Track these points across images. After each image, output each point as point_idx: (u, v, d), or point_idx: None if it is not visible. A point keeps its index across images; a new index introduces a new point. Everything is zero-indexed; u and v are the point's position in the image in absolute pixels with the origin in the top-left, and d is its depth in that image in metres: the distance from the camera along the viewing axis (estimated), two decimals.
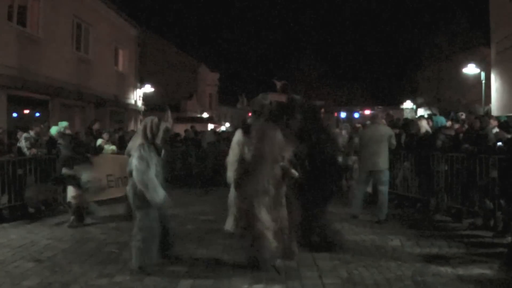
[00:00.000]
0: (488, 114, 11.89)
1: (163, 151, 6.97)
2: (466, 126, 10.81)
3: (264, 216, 6.49)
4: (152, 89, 29.42)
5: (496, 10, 21.76)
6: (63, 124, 11.85)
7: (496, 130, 10.06)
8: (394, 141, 10.16)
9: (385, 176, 10.03)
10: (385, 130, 10.30)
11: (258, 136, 6.84)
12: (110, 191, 12.17)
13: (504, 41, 20.43)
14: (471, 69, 25.49)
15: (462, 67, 26.51)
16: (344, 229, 9.16)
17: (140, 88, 28.71)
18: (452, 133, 11.04)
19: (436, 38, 39.30)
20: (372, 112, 12.55)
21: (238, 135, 7.93)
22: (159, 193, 6.36)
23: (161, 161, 6.84)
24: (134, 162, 6.44)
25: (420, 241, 8.11)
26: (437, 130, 11.30)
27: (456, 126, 11.31)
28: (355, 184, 10.83)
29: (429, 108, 22.81)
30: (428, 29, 56.92)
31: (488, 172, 9.08)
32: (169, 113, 7.52)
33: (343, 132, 15.22)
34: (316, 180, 7.42)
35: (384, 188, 10.01)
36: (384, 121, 13.50)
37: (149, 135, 6.68)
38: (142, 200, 6.40)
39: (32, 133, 11.37)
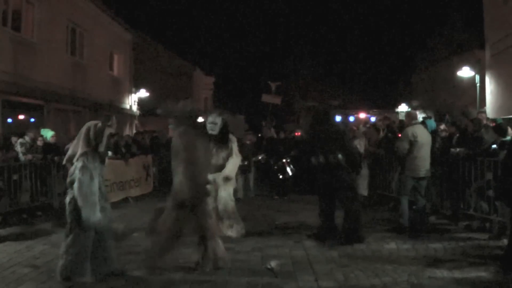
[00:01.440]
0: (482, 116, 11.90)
1: (106, 160, 6.73)
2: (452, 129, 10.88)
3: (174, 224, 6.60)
4: (147, 94, 29.37)
5: (490, 12, 21.82)
6: (49, 133, 11.94)
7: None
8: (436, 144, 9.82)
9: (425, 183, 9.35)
10: (427, 132, 9.57)
11: (184, 145, 6.82)
12: None
13: (498, 44, 20.50)
14: (465, 72, 25.55)
15: (457, 70, 26.58)
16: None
17: (135, 92, 28.68)
18: (444, 134, 11.11)
19: (431, 41, 39.47)
20: (411, 110, 11.80)
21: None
22: (96, 213, 6.16)
23: (103, 170, 6.60)
24: (77, 173, 6.11)
25: (416, 244, 8.12)
26: (432, 133, 11.33)
27: (452, 129, 11.34)
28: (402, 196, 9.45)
29: (424, 111, 22.81)
30: (423, 32, 57.16)
31: (484, 174, 9.11)
32: (114, 118, 6.85)
33: None
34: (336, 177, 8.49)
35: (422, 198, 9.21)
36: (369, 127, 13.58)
37: (92, 142, 6.30)
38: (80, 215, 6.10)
39: (27, 138, 11.35)
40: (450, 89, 33.90)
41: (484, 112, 13.66)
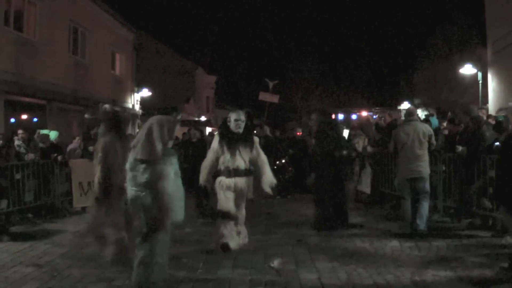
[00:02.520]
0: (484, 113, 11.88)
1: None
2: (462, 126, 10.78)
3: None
4: (149, 93, 29.39)
5: (492, 9, 21.79)
6: (54, 134, 11.95)
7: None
8: (434, 141, 9.18)
9: (427, 184, 8.88)
10: (424, 127, 9.11)
11: (103, 146, 7.01)
12: None
13: (500, 41, 20.46)
14: (467, 69, 25.50)
15: (459, 68, 26.53)
16: (342, 229, 9.20)
17: (138, 92, 28.71)
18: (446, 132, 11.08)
19: (432, 38, 39.34)
20: (410, 107, 11.54)
21: (215, 140, 8.02)
22: (182, 210, 5.75)
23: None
24: (165, 169, 5.55)
25: (419, 242, 8.11)
26: (434, 131, 11.30)
27: (451, 126, 11.30)
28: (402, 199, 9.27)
29: (427, 109, 22.78)
30: (424, 29, 57.04)
31: (486, 172, 9.09)
32: (177, 114, 7.28)
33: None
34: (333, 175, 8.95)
35: (425, 200, 8.80)
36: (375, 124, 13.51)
37: (166, 138, 5.65)
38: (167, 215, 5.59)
39: (17, 139, 11.36)
40: (452, 87, 33.85)
41: (485, 109, 13.63)
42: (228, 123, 7.91)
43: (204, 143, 12.65)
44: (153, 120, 5.69)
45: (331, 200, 9.23)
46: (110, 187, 6.89)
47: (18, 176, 10.38)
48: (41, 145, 11.84)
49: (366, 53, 65.64)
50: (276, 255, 7.37)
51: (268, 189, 7.90)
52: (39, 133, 12.30)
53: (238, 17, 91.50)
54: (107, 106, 7.53)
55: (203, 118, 38.51)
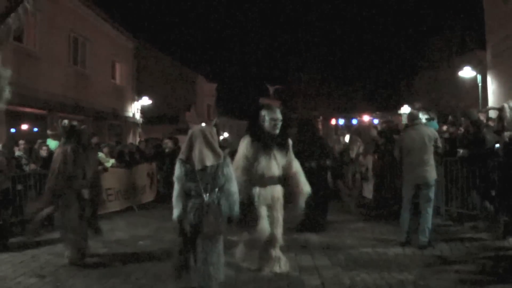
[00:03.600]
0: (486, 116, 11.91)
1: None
2: (461, 129, 10.77)
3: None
4: (150, 102, 29.43)
5: (491, 12, 21.83)
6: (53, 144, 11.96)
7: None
8: (440, 144, 8.82)
9: (431, 191, 8.43)
10: (430, 131, 8.73)
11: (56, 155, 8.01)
12: (110, 205, 12.23)
13: (500, 44, 20.50)
14: (467, 72, 25.51)
15: (459, 71, 26.56)
16: (344, 236, 9.20)
17: (138, 101, 28.75)
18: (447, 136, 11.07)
19: (432, 42, 39.45)
20: (412, 110, 11.19)
21: (245, 144, 6.84)
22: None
23: None
24: (230, 170, 5.66)
25: (421, 247, 8.08)
26: None
27: (452, 129, 11.32)
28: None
29: (427, 113, 22.80)
30: (424, 33, 57.14)
31: (488, 175, 9.09)
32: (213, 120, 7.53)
33: (341, 138, 15.47)
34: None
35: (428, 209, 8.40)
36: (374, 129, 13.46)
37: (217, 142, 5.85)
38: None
39: (17, 150, 11.38)
40: (453, 90, 33.88)
41: (486, 112, 13.63)
42: (262, 123, 6.84)
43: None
44: (198, 130, 5.75)
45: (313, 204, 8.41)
46: (66, 192, 7.69)
47: (19, 187, 10.38)
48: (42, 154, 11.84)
49: (366, 58, 65.82)
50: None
51: (303, 203, 6.93)
52: (39, 143, 12.30)
53: (239, 24, 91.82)
54: (65, 121, 8.41)
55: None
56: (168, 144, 13.83)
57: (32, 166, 11.07)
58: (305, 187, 6.94)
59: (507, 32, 19.33)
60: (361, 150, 12.90)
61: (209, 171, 5.50)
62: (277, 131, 6.80)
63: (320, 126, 23.13)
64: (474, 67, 25.17)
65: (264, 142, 6.71)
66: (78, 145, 8.02)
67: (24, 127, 17.23)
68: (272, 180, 6.71)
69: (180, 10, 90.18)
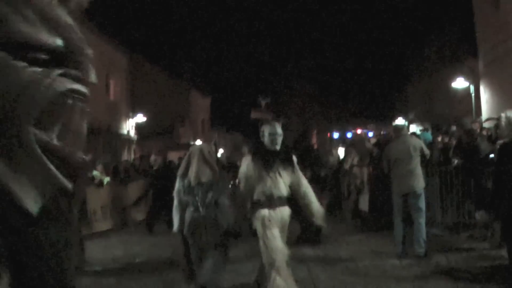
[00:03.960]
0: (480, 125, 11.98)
1: None
2: (453, 140, 10.84)
3: None
4: (145, 119, 29.43)
5: (482, 21, 21.99)
6: None
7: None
8: (427, 151, 8.91)
9: (419, 201, 8.46)
10: (414, 141, 8.94)
11: None
12: (104, 224, 12.22)
13: (491, 53, 20.63)
14: (460, 83, 25.65)
15: (451, 81, 26.68)
16: (341, 248, 9.18)
17: (133, 117, 28.74)
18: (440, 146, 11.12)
19: (424, 52, 39.61)
20: (397, 123, 11.32)
21: (246, 162, 6.33)
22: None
23: None
24: (224, 185, 6.24)
25: (418, 258, 8.08)
26: (429, 145, 11.31)
27: (446, 140, 11.38)
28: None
29: (421, 123, 22.89)
30: (416, 43, 57.52)
31: (483, 183, 9.11)
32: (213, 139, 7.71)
33: (334, 151, 15.64)
34: None
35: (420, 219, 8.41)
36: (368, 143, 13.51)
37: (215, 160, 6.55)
38: None
39: None
40: (446, 100, 34.01)
41: (479, 121, 13.70)
42: (262, 139, 6.28)
43: (168, 172, 12.40)
44: (196, 148, 6.48)
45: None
46: None
47: None
48: None
49: (358, 70, 66.08)
50: None
51: (320, 222, 6.34)
52: None
53: (233, 38, 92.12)
54: None
55: (198, 141, 38.51)
56: (157, 160, 13.79)
57: None
58: (319, 207, 6.35)
59: (498, 41, 19.47)
60: (355, 161, 12.91)
61: (205, 186, 5.98)
62: (278, 147, 6.13)
63: (314, 140, 23.15)
64: (467, 76, 25.32)
65: (265, 160, 6.07)
66: None
67: None
68: (281, 201, 5.98)
69: (173, 25, 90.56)
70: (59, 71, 1.65)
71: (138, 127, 29.33)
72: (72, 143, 1.76)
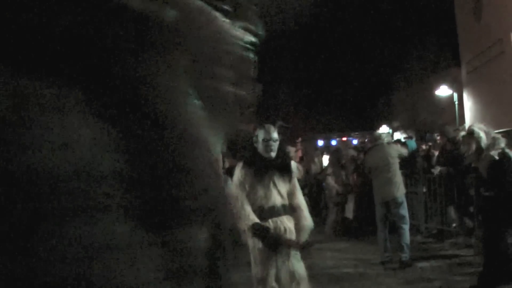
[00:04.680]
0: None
1: None
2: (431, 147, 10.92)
3: None
4: None
5: (464, 30, 22.19)
6: None
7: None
8: (404, 152, 9.24)
9: (401, 208, 8.48)
10: (391, 149, 9.02)
11: None
12: None
13: (473, 61, 20.81)
14: (443, 91, 25.86)
15: (435, 89, 26.88)
16: (326, 256, 9.16)
17: None
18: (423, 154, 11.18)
19: (407, 61, 39.79)
20: (375, 132, 11.35)
21: (238, 171, 5.64)
22: None
23: None
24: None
25: (403, 264, 8.10)
26: (413, 153, 11.35)
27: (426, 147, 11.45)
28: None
29: (405, 131, 23.01)
30: (398, 52, 57.90)
31: (466, 191, 9.16)
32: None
33: (316, 159, 15.65)
34: None
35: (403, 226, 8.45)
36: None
37: None
38: None
39: None
40: (430, 108, 34.22)
41: (463, 129, 13.76)
42: (256, 144, 5.61)
43: None
44: None
45: None
46: None
47: None
48: None
49: (344, 78, 66.33)
50: None
51: (304, 238, 5.67)
52: None
53: None
54: None
55: None
56: None
57: None
58: (307, 222, 5.65)
59: (480, 49, 19.66)
60: (329, 171, 12.94)
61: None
62: (273, 154, 5.48)
63: (299, 151, 23.21)
64: (450, 84, 25.54)
65: (258, 168, 5.45)
66: None
67: None
68: (273, 212, 5.36)
69: None
70: (241, 24, 1.61)
71: None
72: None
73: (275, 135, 5.52)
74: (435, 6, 40.80)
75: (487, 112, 19.46)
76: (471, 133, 6.74)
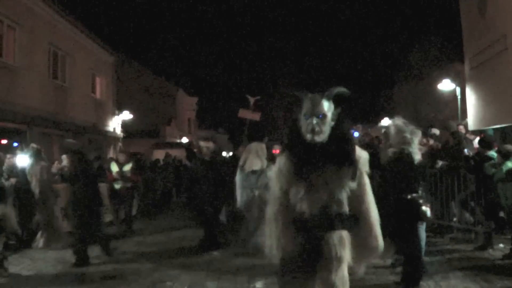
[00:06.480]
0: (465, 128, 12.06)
1: None
2: (433, 142, 10.88)
3: None
4: (131, 116, 29.29)
5: (468, 25, 22.12)
6: None
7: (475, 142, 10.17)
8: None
9: None
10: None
11: None
12: None
13: (477, 56, 20.75)
14: (446, 85, 25.78)
15: (437, 83, 26.81)
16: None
17: (119, 115, 28.59)
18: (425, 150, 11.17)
19: (410, 55, 39.78)
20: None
21: (280, 161, 4.16)
22: None
23: None
24: (270, 174, 6.19)
25: (401, 258, 8.09)
26: None
27: (431, 142, 11.42)
28: None
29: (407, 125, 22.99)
30: (402, 46, 57.78)
31: (467, 186, 9.18)
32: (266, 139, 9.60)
33: None
34: None
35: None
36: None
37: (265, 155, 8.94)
38: None
39: None
40: (432, 103, 34.20)
41: (465, 124, 13.78)
42: (300, 126, 4.07)
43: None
44: (252, 145, 9.03)
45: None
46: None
47: None
48: None
49: (346, 70, 66.18)
50: (259, 276, 7.34)
51: (365, 266, 4.31)
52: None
53: (219, 37, 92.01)
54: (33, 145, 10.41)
55: (185, 140, 38.40)
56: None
57: (12, 180, 10.87)
58: (375, 244, 4.12)
59: (484, 45, 19.60)
60: None
61: (257, 173, 8.50)
62: (319, 137, 3.91)
63: None
64: (453, 79, 25.48)
65: (299, 158, 3.98)
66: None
67: (4, 141, 17.03)
68: (320, 223, 3.91)
69: (160, 24, 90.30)
70: None
71: (125, 125, 29.16)
72: None
73: (323, 108, 4.01)
74: (440, 0, 40.76)
75: (490, 107, 19.44)
76: (386, 128, 6.77)
